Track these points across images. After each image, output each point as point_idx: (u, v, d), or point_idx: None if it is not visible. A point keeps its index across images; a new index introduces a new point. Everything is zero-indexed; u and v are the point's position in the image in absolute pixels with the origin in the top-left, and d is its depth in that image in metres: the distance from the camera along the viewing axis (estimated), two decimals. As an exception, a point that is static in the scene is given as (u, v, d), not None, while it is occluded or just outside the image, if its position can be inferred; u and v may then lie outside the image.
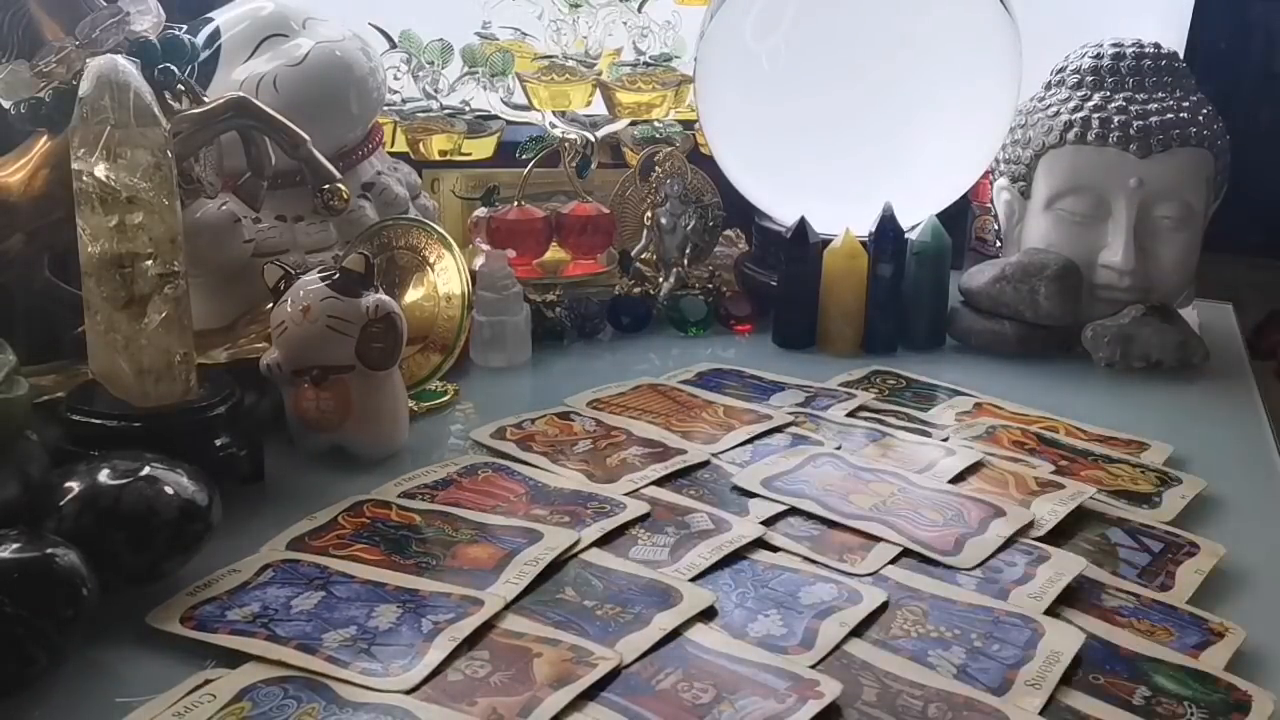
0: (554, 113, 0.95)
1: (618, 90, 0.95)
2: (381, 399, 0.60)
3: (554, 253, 0.89)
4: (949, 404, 0.71)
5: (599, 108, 0.96)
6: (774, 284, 0.85)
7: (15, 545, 0.40)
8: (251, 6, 0.74)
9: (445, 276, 0.71)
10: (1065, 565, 0.50)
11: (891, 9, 0.81)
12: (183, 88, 0.61)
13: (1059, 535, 0.54)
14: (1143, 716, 0.41)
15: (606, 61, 0.96)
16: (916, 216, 0.83)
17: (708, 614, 0.46)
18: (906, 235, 0.82)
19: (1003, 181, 0.88)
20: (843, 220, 0.81)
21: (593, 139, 0.94)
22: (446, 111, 0.95)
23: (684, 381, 0.74)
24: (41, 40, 0.59)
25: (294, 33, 0.73)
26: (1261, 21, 1.48)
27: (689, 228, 0.88)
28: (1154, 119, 0.80)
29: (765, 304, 0.87)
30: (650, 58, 0.97)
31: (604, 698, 0.40)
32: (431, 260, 0.71)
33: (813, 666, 0.42)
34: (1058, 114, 0.83)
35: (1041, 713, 0.40)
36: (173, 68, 0.60)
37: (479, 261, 0.83)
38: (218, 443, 0.55)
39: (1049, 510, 0.55)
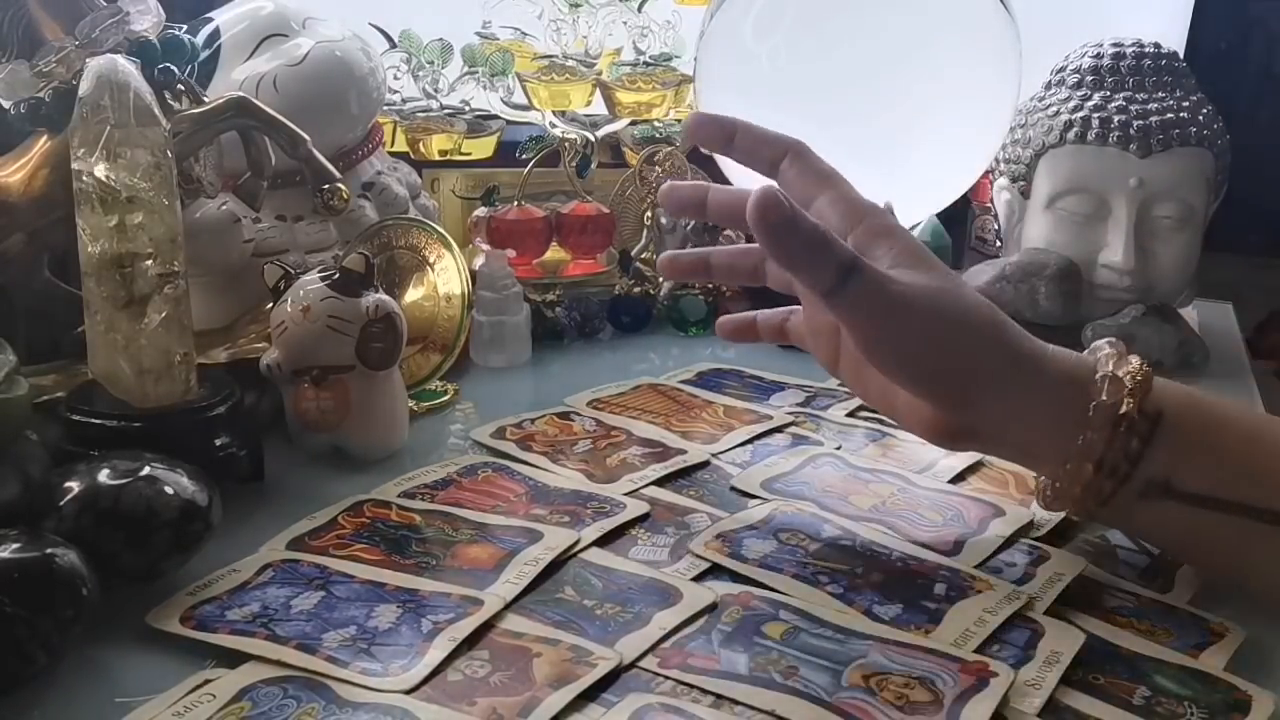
0: (554, 112, 0.95)
1: (618, 90, 0.95)
2: (381, 399, 0.60)
3: (554, 252, 0.89)
4: (949, 404, 0.71)
5: (599, 107, 0.96)
6: (774, 284, 0.85)
7: (15, 545, 0.40)
8: (251, 6, 0.74)
9: (445, 276, 0.71)
10: (1065, 565, 0.50)
11: (891, 9, 0.81)
12: (183, 88, 0.61)
13: (1059, 536, 0.54)
14: (1143, 716, 0.41)
15: (606, 61, 0.96)
16: (916, 216, 0.83)
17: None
18: (906, 235, 0.82)
19: (1003, 181, 0.88)
20: (843, 220, 0.81)
21: (593, 139, 0.94)
22: (446, 111, 0.95)
23: (684, 381, 0.74)
24: (41, 40, 0.59)
25: (294, 32, 0.73)
26: (1261, 21, 1.48)
27: (689, 227, 0.88)
28: (1154, 119, 0.80)
29: (765, 304, 0.87)
30: (650, 57, 0.97)
31: (604, 698, 0.40)
32: (431, 260, 0.71)
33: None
34: (1058, 114, 0.83)
35: (1041, 713, 0.40)
36: (173, 68, 0.60)
37: (479, 261, 0.83)
38: (218, 443, 0.55)
39: (1049, 515, 0.55)
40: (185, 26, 0.65)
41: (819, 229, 0.43)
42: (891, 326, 0.44)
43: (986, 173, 0.91)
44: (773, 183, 0.47)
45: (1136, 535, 0.53)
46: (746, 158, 0.51)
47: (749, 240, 0.94)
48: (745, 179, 0.90)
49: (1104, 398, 0.46)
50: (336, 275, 0.58)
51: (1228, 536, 0.46)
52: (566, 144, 0.92)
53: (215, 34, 0.72)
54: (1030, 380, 0.46)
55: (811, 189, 0.50)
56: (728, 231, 0.96)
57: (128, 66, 0.53)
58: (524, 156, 0.93)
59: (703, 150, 0.95)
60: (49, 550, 0.41)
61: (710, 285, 0.88)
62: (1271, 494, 0.45)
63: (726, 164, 0.90)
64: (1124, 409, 0.46)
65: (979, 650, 0.43)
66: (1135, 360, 0.47)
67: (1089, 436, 0.46)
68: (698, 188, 0.54)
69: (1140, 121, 0.80)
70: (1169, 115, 0.80)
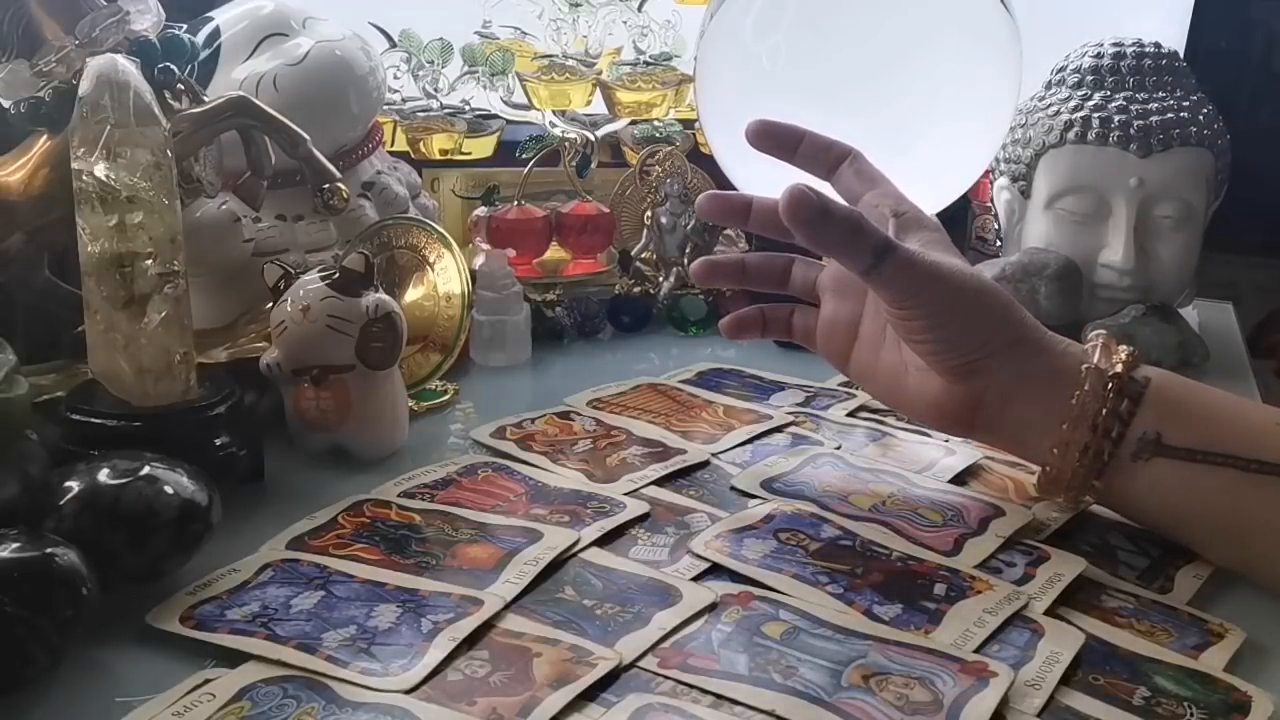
0: (554, 112, 0.95)
1: (618, 89, 0.95)
2: (381, 399, 0.60)
3: (554, 252, 0.89)
4: (949, 404, 0.71)
5: (599, 107, 0.96)
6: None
7: (15, 545, 0.40)
8: (251, 6, 0.74)
9: (445, 276, 0.71)
10: (1065, 566, 0.50)
11: (892, 8, 0.81)
12: (183, 87, 0.61)
13: (1058, 537, 0.54)
14: (1142, 717, 0.41)
15: (606, 61, 0.96)
16: (916, 216, 0.83)
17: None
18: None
19: (1003, 181, 0.88)
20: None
21: (593, 138, 0.94)
22: (446, 111, 0.95)
23: (684, 381, 0.74)
24: (41, 40, 0.59)
25: (294, 32, 0.73)
26: (1261, 21, 1.48)
27: (689, 227, 0.88)
28: (1154, 118, 0.80)
29: (765, 303, 0.87)
30: (650, 57, 0.97)
31: (604, 698, 0.40)
32: (431, 260, 0.71)
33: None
34: (1058, 113, 0.83)
35: (1041, 713, 0.40)
36: (173, 67, 0.60)
37: (479, 261, 0.83)
38: (218, 442, 0.55)
39: (1049, 515, 0.55)
40: (185, 26, 0.65)
41: (851, 215, 0.49)
42: (923, 297, 0.50)
43: (986, 172, 0.91)
44: (800, 183, 0.51)
45: (1133, 511, 0.54)
46: (808, 163, 0.58)
47: (749, 239, 0.95)
48: (744, 176, 0.90)
49: (1096, 362, 0.51)
50: (336, 275, 0.58)
51: (1220, 492, 0.49)
52: (566, 144, 0.92)
53: (215, 33, 0.72)
54: (1032, 354, 0.52)
55: (863, 187, 0.57)
56: (728, 230, 0.96)
57: (128, 66, 0.53)
58: (524, 156, 0.93)
59: (703, 150, 0.95)
60: (49, 550, 0.41)
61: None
62: (1257, 447, 0.49)
63: (727, 164, 0.90)
64: (1114, 370, 0.50)
65: (979, 650, 0.43)
66: (1125, 348, 0.52)
67: (1082, 396, 0.50)
68: (742, 196, 0.59)
69: (1140, 121, 0.80)
70: (1169, 115, 0.80)
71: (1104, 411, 0.50)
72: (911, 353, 0.54)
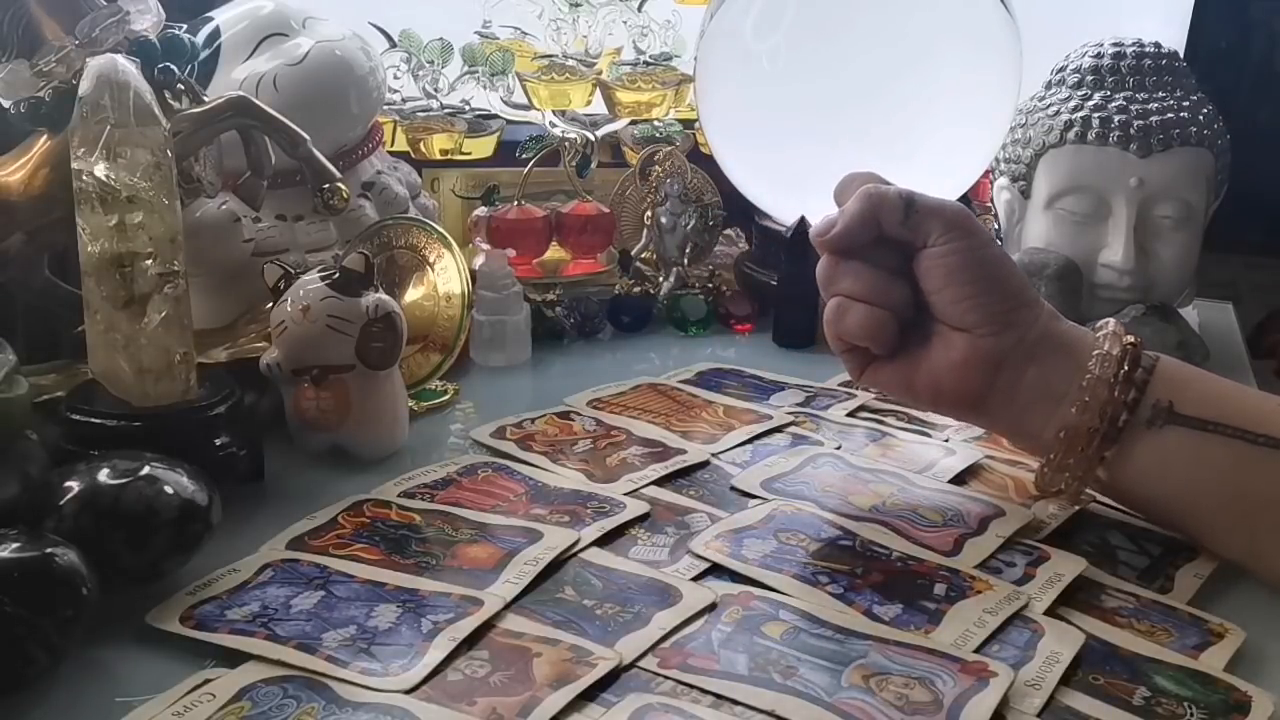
0: (554, 112, 0.95)
1: (618, 89, 0.95)
2: (381, 399, 0.60)
3: (554, 252, 0.89)
4: (949, 404, 0.71)
5: (599, 107, 0.96)
6: (774, 283, 0.85)
7: (15, 545, 0.40)
8: (251, 6, 0.74)
9: (445, 276, 0.71)
10: (1065, 566, 0.50)
11: (892, 9, 0.81)
12: (183, 87, 0.61)
13: (1058, 536, 0.54)
14: (1142, 717, 0.41)
15: (606, 61, 0.96)
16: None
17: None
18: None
19: (1003, 181, 0.88)
20: (843, 220, 0.81)
21: (593, 138, 0.94)
22: (446, 111, 0.95)
23: (684, 381, 0.74)
24: (41, 40, 0.59)
25: (294, 32, 0.73)
26: (1261, 21, 1.48)
27: (689, 227, 0.88)
28: (1154, 118, 0.80)
29: (765, 303, 0.87)
30: (650, 57, 0.97)
31: (604, 698, 0.40)
32: (431, 260, 0.71)
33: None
34: (1058, 113, 0.83)
35: (1041, 713, 0.40)
36: (173, 67, 0.60)
37: (479, 261, 0.83)
38: (218, 442, 0.55)
39: (1049, 514, 0.55)
40: (185, 26, 0.65)
41: (863, 195, 0.53)
42: (963, 229, 0.53)
43: (986, 172, 0.91)
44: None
45: (1140, 491, 0.54)
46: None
47: (749, 239, 0.95)
48: (744, 176, 0.90)
49: (1111, 329, 0.53)
50: (336, 275, 0.58)
51: (1228, 466, 0.50)
52: (566, 144, 0.92)
53: (215, 33, 0.72)
54: (1049, 318, 0.54)
55: None
56: (728, 230, 0.97)
57: (128, 66, 0.53)
58: (524, 156, 0.93)
59: (703, 150, 0.95)
60: (49, 550, 0.41)
61: (710, 285, 0.88)
62: (1261, 425, 0.50)
63: (727, 164, 0.90)
64: (1128, 340, 0.52)
65: (979, 650, 0.44)
66: (1131, 335, 0.54)
67: (1101, 358, 0.52)
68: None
69: (1140, 121, 0.80)
70: (1169, 115, 0.80)
71: (1121, 374, 0.51)
72: (931, 324, 0.54)
